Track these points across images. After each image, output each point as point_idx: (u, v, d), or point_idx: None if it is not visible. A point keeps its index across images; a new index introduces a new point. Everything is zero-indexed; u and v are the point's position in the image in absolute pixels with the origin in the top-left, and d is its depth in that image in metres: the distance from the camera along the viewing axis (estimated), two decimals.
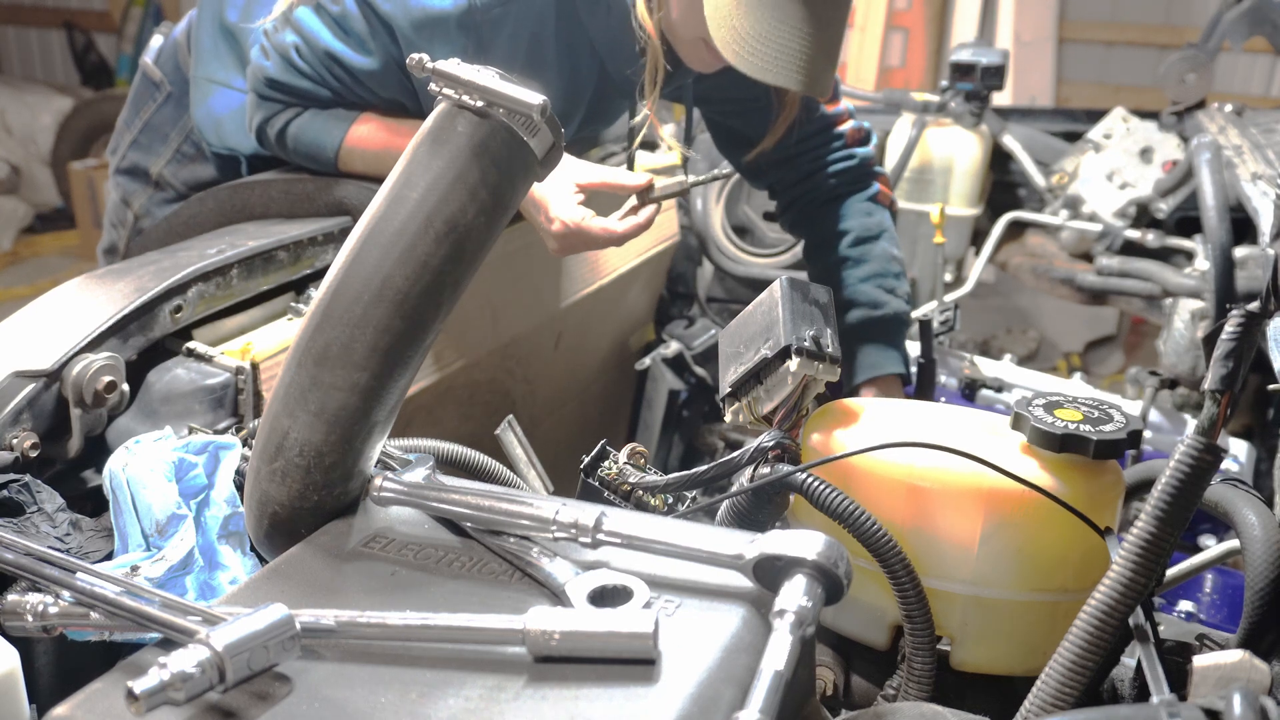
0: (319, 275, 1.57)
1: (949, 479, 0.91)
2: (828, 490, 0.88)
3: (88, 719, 0.66)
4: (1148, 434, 1.95)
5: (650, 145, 2.15)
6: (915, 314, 1.77)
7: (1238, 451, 1.91)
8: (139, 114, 1.89)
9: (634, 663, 0.69)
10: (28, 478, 1.12)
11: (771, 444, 0.97)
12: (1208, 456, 0.75)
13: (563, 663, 0.69)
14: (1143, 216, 2.52)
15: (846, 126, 1.78)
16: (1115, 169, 2.55)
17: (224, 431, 1.30)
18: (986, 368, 2.09)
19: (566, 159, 1.56)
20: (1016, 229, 2.67)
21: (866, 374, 1.67)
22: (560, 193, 1.52)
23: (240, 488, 1.12)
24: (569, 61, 1.59)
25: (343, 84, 1.56)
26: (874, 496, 0.92)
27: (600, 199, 1.56)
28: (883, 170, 1.83)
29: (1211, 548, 1.15)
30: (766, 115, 1.69)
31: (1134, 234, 2.47)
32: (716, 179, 1.77)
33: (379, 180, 1.57)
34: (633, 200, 1.55)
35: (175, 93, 1.84)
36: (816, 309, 1.02)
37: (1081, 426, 0.90)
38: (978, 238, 2.70)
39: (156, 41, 1.90)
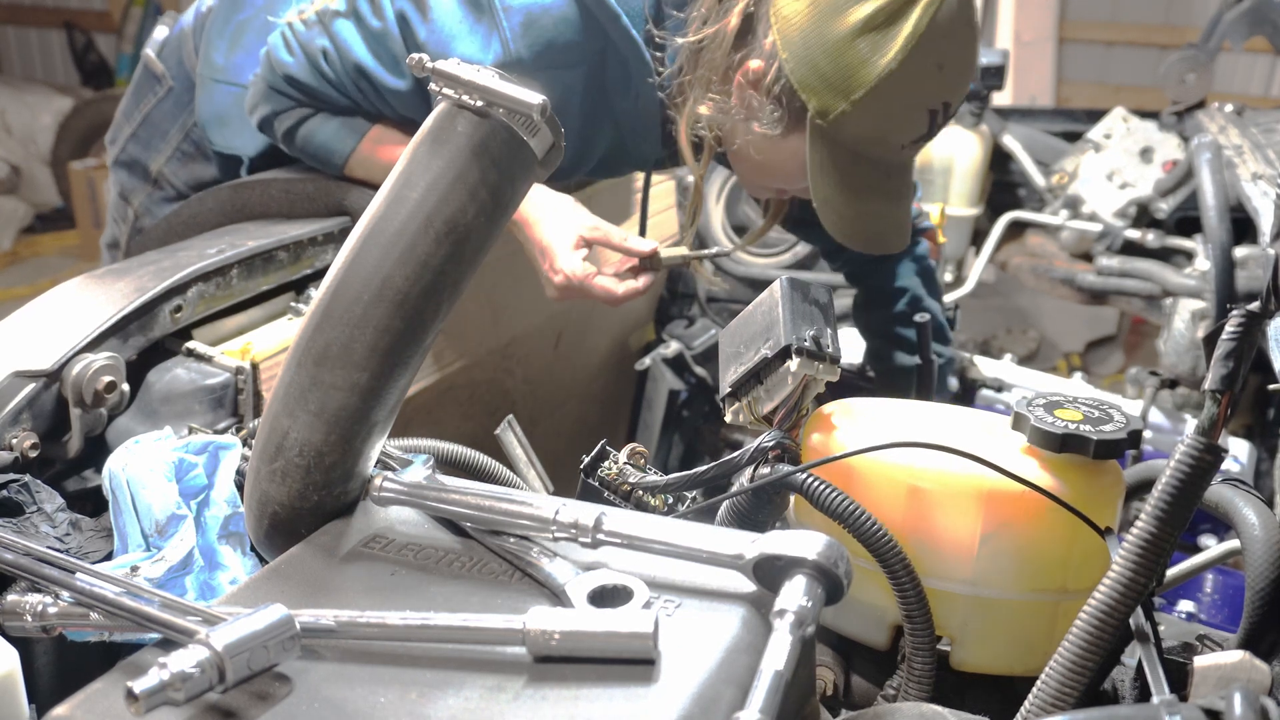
0: (319, 275, 1.57)
1: (949, 479, 0.91)
2: (828, 490, 0.88)
3: (88, 719, 0.66)
4: (1148, 434, 1.95)
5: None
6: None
7: (1238, 451, 1.91)
8: (139, 106, 1.87)
9: (634, 663, 0.69)
10: (27, 478, 1.12)
11: (771, 444, 0.97)
12: (1208, 456, 0.75)
13: (563, 663, 0.69)
14: (1143, 216, 2.52)
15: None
16: (1115, 169, 2.55)
17: (224, 431, 1.30)
18: (986, 368, 2.09)
19: (576, 208, 1.59)
20: (1016, 229, 2.67)
21: None
22: (565, 242, 1.54)
23: (240, 488, 1.12)
24: (589, 129, 1.60)
25: (365, 97, 1.55)
26: (874, 496, 0.92)
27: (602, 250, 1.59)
28: (929, 224, 1.92)
29: (1211, 548, 1.15)
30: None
31: (1134, 234, 2.47)
32: (718, 255, 1.78)
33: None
34: (633, 262, 1.58)
35: (177, 89, 1.83)
36: (816, 309, 1.02)
37: (1081, 426, 0.90)
38: (978, 238, 2.70)
39: (161, 33, 1.88)
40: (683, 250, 1.64)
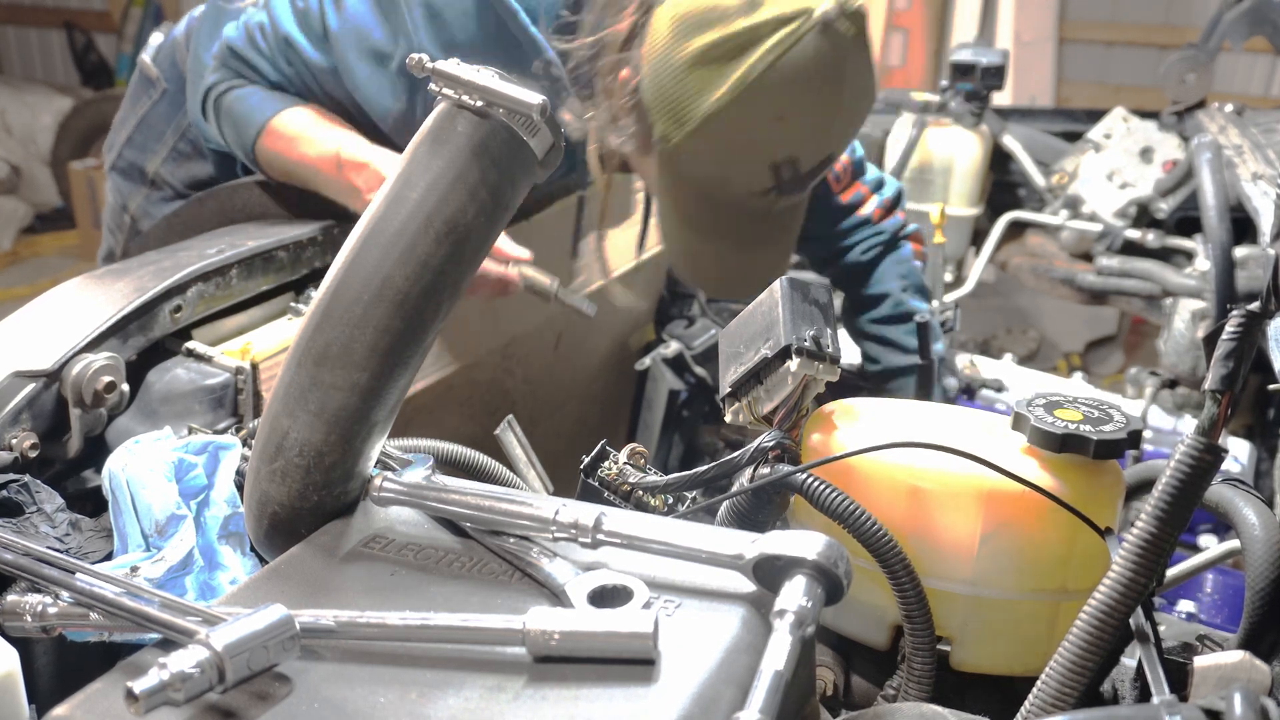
0: (319, 275, 1.57)
1: (949, 479, 0.91)
2: (828, 490, 0.88)
3: (88, 719, 0.66)
4: (1148, 434, 1.95)
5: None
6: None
7: (1238, 451, 1.91)
8: (134, 110, 1.88)
9: (634, 663, 0.69)
10: (27, 478, 1.12)
11: (771, 444, 0.97)
12: (1208, 456, 0.75)
13: (563, 663, 0.69)
14: (1143, 216, 2.52)
15: (871, 207, 1.82)
16: (1115, 169, 2.55)
17: (224, 431, 1.30)
18: (986, 368, 2.09)
19: None
20: (1016, 229, 2.67)
21: None
22: None
23: (240, 488, 1.12)
24: None
25: (295, 69, 1.58)
26: (874, 496, 0.92)
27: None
28: (915, 229, 1.89)
29: (1211, 548, 1.15)
30: None
31: (1134, 234, 2.47)
32: (580, 311, 1.72)
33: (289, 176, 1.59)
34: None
35: (171, 90, 1.83)
36: (816, 309, 1.02)
37: (1081, 426, 0.90)
38: (978, 238, 2.70)
39: (156, 39, 1.91)
40: (545, 282, 1.62)
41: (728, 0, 1.30)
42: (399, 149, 1.56)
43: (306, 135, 1.57)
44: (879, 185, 1.87)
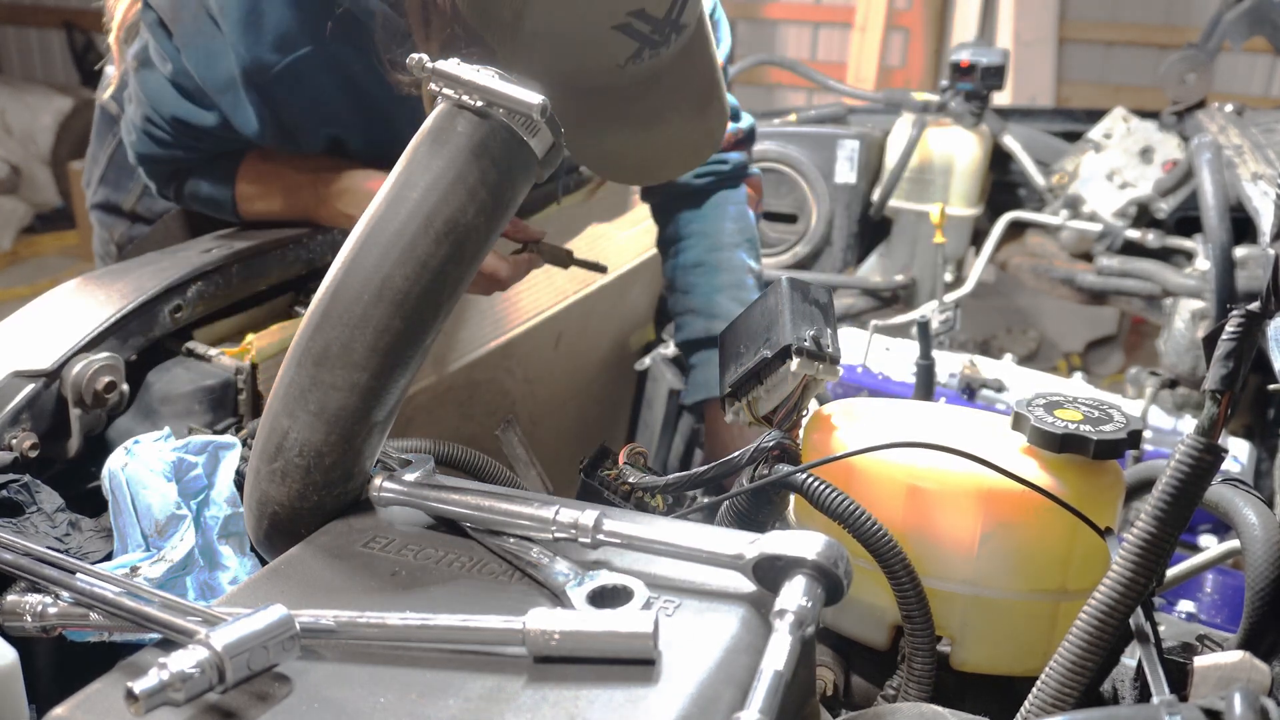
0: (319, 275, 1.57)
1: (949, 479, 0.91)
2: (828, 490, 0.88)
3: (88, 719, 0.66)
4: (1148, 434, 1.95)
5: None
6: (914, 314, 1.78)
7: (1238, 451, 1.91)
8: (102, 149, 1.83)
9: (634, 663, 0.69)
10: (27, 478, 1.12)
11: (771, 444, 0.97)
12: (1208, 456, 0.75)
13: (563, 663, 0.69)
14: (1143, 216, 2.52)
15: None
16: (1115, 169, 2.55)
17: (224, 431, 1.30)
18: (986, 368, 2.09)
19: None
20: (1016, 229, 2.66)
21: (702, 394, 1.64)
22: None
23: (240, 488, 1.12)
24: (390, 106, 1.44)
25: (203, 142, 1.49)
26: (874, 496, 0.92)
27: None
28: (756, 173, 1.78)
29: (1211, 548, 1.15)
30: None
31: (1134, 234, 2.47)
32: (594, 269, 1.67)
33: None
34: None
35: None
36: (816, 309, 1.02)
37: (1081, 426, 0.90)
38: (978, 238, 2.70)
39: (110, 72, 1.81)
40: (561, 250, 1.56)
41: None
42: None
43: (272, 191, 1.53)
44: (735, 115, 1.72)
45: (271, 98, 1.40)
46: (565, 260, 1.59)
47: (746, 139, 1.77)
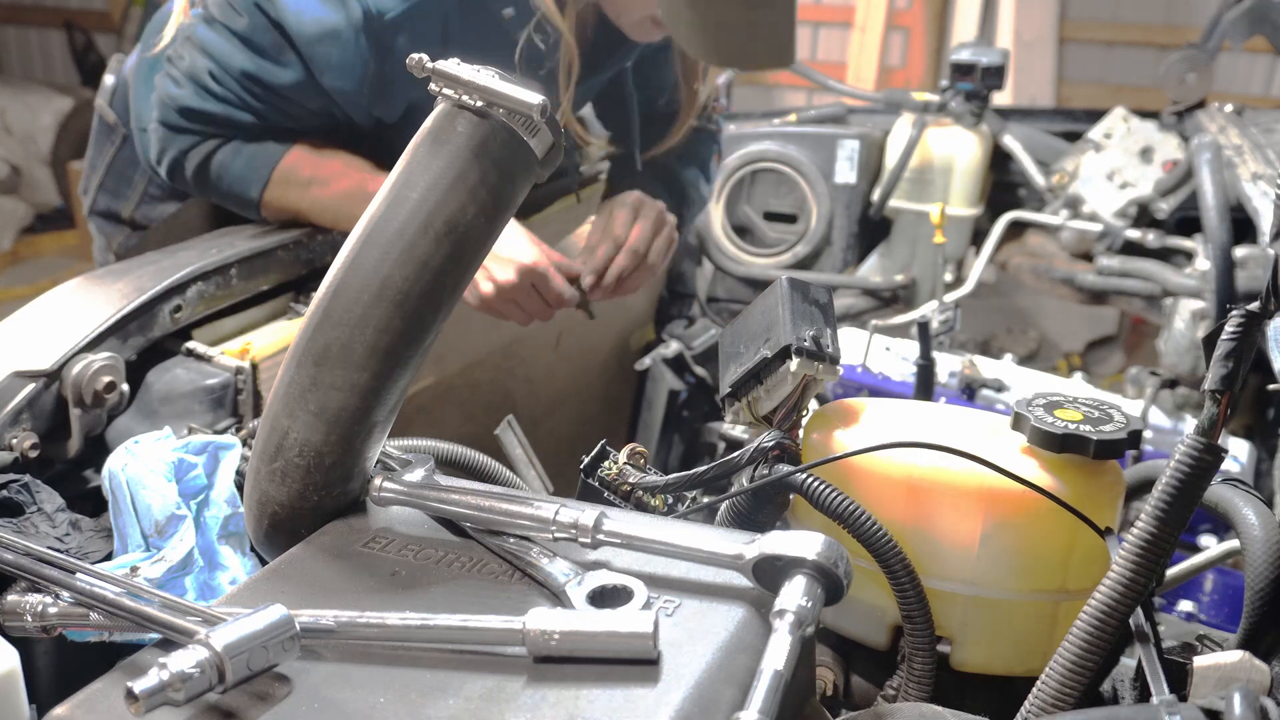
0: (319, 275, 1.57)
1: (949, 479, 0.91)
2: (828, 490, 0.88)
3: (88, 719, 0.66)
4: (1148, 434, 1.95)
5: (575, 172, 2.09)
6: (914, 314, 1.78)
7: (1238, 451, 1.91)
8: (101, 156, 1.82)
9: (634, 663, 0.69)
10: (27, 478, 1.12)
11: (771, 444, 0.97)
12: (1208, 456, 0.75)
13: (563, 663, 0.69)
14: (1143, 216, 2.52)
15: (719, 100, 1.97)
16: (1115, 169, 2.55)
17: (224, 431, 1.30)
18: (986, 368, 2.09)
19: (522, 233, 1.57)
20: (1016, 229, 2.66)
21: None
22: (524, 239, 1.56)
23: (240, 488, 1.12)
24: (482, 57, 1.53)
25: (265, 104, 1.49)
26: (874, 496, 0.92)
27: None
28: (719, 147, 2.04)
29: (1211, 548, 1.15)
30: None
31: (1134, 234, 2.46)
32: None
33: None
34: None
35: (131, 135, 1.74)
36: (817, 309, 1.02)
37: (1081, 426, 0.90)
38: (978, 238, 2.70)
39: (109, 81, 1.82)
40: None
41: None
42: (384, 145, 1.54)
43: (318, 176, 1.52)
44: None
45: (382, 45, 1.43)
46: (590, 310, 1.73)
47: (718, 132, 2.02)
